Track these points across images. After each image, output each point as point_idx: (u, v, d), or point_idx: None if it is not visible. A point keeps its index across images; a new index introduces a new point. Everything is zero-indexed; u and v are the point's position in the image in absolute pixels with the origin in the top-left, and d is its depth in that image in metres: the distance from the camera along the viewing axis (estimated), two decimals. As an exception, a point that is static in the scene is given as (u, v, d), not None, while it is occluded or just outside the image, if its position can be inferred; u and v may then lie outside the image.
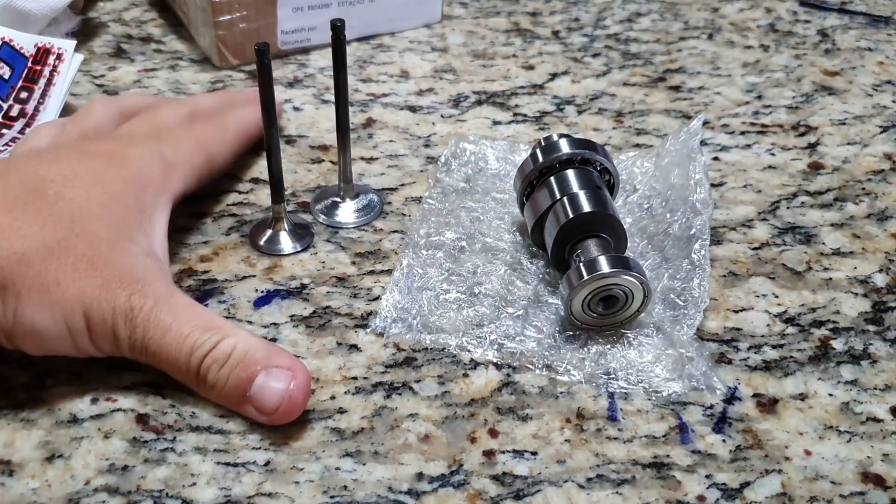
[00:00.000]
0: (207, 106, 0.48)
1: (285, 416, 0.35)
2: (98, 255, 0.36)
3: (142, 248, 0.38)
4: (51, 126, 0.44)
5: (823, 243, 0.47)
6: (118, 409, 0.37)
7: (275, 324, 0.41)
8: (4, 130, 0.50)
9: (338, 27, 0.41)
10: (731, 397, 0.38)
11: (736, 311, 0.42)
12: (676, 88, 0.59)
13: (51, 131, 0.44)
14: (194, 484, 0.34)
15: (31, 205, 0.36)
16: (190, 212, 0.46)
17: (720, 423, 0.37)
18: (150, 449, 0.35)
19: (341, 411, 0.37)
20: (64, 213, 0.36)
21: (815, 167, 0.52)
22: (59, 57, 0.52)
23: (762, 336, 0.41)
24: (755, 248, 0.46)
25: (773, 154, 0.53)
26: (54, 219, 0.36)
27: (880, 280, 0.44)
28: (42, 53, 0.52)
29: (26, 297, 0.34)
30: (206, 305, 0.41)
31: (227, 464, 0.35)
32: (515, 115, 0.55)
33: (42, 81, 0.51)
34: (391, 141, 0.53)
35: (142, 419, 0.36)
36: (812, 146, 0.54)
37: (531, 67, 0.60)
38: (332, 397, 0.38)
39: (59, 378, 0.38)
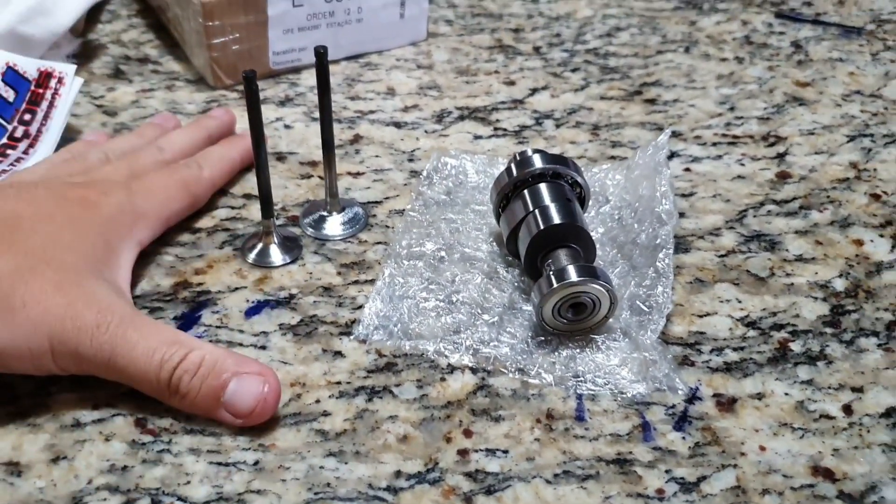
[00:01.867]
0: (186, 145, 0.51)
1: (259, 417, 0.38)
2: (65, 279, 0.38)
3: (107, 279, 0.40)
4: (43, 163, 0.48)
5: (787, 250, 0.49)
6: (118, 414, 0.39)
7: (264, 332, 0.43)
8: (9, 151, 0.52)
9: (321, 54, 0.44)
10: (693, 397, 0.41)
11: (700, 316, 0.45)
12: (652, 101, 0.61)
13: (41, 168, 0.47)
14: (189, 482, 0.37)
15: (6, 235, 0.39)
16: (186, 227, 0.49)
17: (681, 421, 0.40)
18: (147, 450, 0.38)
19: (325, 414, 0.40)
20: (36, 244, 0.39)
21: (783, 176, 0.54)
22: (60, 80, 0.55)
23: (724, 339, 0.44)
24: (721, 256, 0.48)
25: (742, 164, 0.55)
26: (27, 248, 0.39)
27: (839, 285, 0.47)
28: (44, 77, 0.55)
29: None
30: (199, 316, 0.44)
31: (219, 463, 0.38)
32: (496, 129, 0.58)
33: (44, 104, 0.54)
34: (377, 156, 0.55)
35: (140, 423, 0.39)
36: (781, 156, 0.56)
37: (512, 83, 0.63)
38: (318, 401, 0.40)
39: (63, 386, 0.40)
